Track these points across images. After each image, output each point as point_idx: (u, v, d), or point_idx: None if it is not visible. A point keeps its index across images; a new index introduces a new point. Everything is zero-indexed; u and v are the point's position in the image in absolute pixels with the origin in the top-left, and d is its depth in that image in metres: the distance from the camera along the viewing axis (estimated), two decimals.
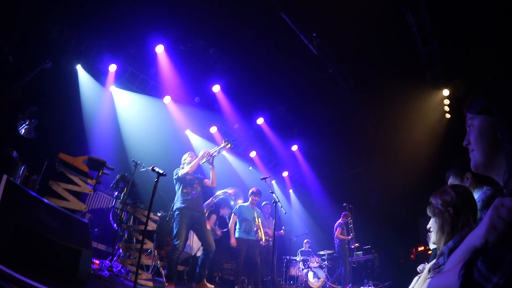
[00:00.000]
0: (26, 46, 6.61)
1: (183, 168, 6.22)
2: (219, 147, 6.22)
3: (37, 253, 3.09)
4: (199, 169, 6.43)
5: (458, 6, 7.37)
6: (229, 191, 8.89)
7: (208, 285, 5.54)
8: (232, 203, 8.55)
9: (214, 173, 6.21)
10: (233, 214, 7.94)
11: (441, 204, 2.12)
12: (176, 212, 5.94)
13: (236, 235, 7.75)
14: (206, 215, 7.43)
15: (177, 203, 6.03)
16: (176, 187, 6.24)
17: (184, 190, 6.06)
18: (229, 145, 6.12)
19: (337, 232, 10.12)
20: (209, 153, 6.22)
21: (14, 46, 5.60)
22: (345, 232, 10.11)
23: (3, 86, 5.13)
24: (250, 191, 8.14)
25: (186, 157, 6.42)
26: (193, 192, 6.06)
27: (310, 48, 8.57)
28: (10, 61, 4.74)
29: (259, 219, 8.33)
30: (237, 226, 7.84)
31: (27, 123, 5.83)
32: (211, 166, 6.19)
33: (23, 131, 5.82)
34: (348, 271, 9.72)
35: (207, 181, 6.24)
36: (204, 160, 6.20)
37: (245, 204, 8.07)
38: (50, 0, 7.14)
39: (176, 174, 6.19)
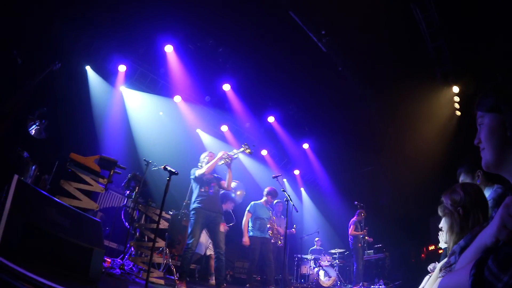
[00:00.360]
0: (34, 48, 6.66)
1: (201, 167, 6.21)
2: (239, 151, 6.19)
3: (49, 251, 3.12)
4: (214, 170, 6.39)
5: (467, 2, 7.27)
6: None
7: None
8: (233, 195, 8.54)
9: (231, 176, 6.17)
10: (247, 211, 7.86)
11: (451, 204, 2.12)
12: (192, 212, 5.93)
13: (250, 233, 7.71)
14: None
15: (194, 203, 6.01)
16: (193, 187, 6.23)
17: (201, 190, 6.05)
18: (248, 150, 6.10)
19: (351, 229, 10.09)
20: (229, 155, 6.19)
21: (23, 48, 5.67)
22: (359, 230, 10.07)
23: (12, 88, 5.20)
24: (266, 190, 8.11)
25: (205, 156, 6.40)
26: (210, 191, 6.05)
27: (319, 46, 8.54)
28: (19, 63, 4.80)
29: (274, 218, 8.35)
30: (250, 224, 7.82)
31: (37, 124, 5.90)
32: (228, 168, 6.16)
33: (33, 131, 5.90)
34: (360, 270, 9.68)
35: (223, 183, 6.20)
36: (222, 161, 6.17)
37: (259, 202, 8.02)
38: (58, 2, 7.20)
39: (193, 174, 6.16)
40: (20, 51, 5.03)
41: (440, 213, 2.20)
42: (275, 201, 8.65)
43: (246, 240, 7.62)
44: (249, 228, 7.77)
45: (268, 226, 7.96)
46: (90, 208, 4.74)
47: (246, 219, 7.80)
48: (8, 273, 2.34)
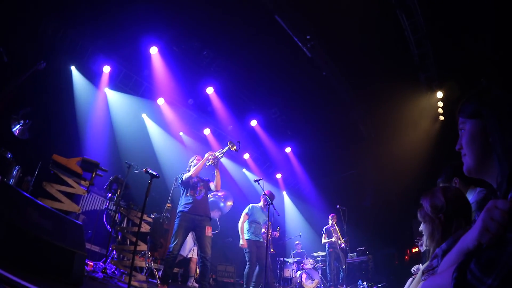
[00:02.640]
0: (20, 46, 6.57)
1: (188, 171, 6.19)
2: (224, 149, 6.14)
3: (31, 254, 3.08)
4: (203, 172, 6.36)
5: (451, 9, 7.42)
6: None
7: None
8: (222, 205, 8.52)
9: (219, 176, 6.12)
10: (244, 213, 7.65)
11: (431, 210, 2.06)
12: (178, 215, 5.88)
13: (246, 236, 7.52)
14: None
15: (180, 207, 5.97)
16: (181, 191, 6.18)
17: (188, 194, 6.00)
18: (234, 147, 6.05)
19: (323, 238, 10.42)
20: (214, 155, 6.18)
21: (9, 46, 5.56)
22: (330, 236, 10.23)
23: None
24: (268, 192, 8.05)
25: (192, 160, 6.37)
26: (196, 195, 6.00)
27: (304, 50, 8.60)
28: (5, 61, 4.72)
29: (270, 223, 8.28)
30: (246, 227, 7.67)
31: (21, 124, 5.80)
32: (216, 169, 6.13)
33: (17, 132, 5.79)
34: (332, 274, 9.91)
35: (212, 184, 6.16)
36: (209, 162, 6.14)
37: (257, 205, 7.91)
38: (44, 1, 7.10)
39: (180, 178, 6.13)
40: (7, 49, 4.93)
41: (420, 218, 2.14)
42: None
43: (244, 243, 7.37)
44: (245, 230, 7.66)
45: (263, 231, 7.85)
46: (72, 210, 4.69)
47: (242, 221, 7.60)
48: None
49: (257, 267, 7.37)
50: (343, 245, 9.70)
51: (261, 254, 7.44)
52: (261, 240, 7.62)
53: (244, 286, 7.34)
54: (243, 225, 7.58)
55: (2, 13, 6.09)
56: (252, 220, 7.57)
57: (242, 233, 7.48)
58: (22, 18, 6.84)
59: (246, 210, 7.72)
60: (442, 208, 2.00)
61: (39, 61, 5.19)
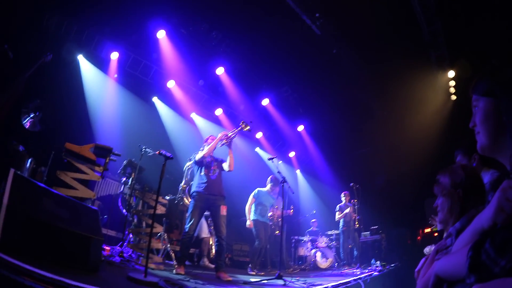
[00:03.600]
0: (25, 40, 6.58)
1: (202, 150, 6.21)
2: (237, 129, 6.16)
3: (48, 243, 3.13)
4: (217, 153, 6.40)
5: None
6: None
7: (226, 275, 5.57)
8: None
9: (232, 157, 6.16)
10: (251, 197, 8.00)
11: (451, 184, 2.06)
12: (193, 195, 5.95)
13: (253, 217, 7.83)
14: None
15: (194, 186, 6.03)
16: (194, 170, 6.24)
17: (201, 173, 6.04)
18: (247, 127, 6.06)
19: (336, 215, 10.42)
20: (227, 135, 6.19)
21: (14, 41, 5.57)
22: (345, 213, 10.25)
23: (5, 82, 5.14)
24: (270, 178, 8.18)
25: (206, 140, 6.42)
26: (211, 174, 6.04)
27: (313, 28, 8.46)
28: (11, 58, 4.73)
29: (277, 207, 8.52)
30: (253, 209, 7.92)
31: (31, 116, 5.86)
32: (229, 149, 6.16)
33: (28, 124, 5.86)
34: (345, 252, 9.97)
35: (225, 164, 6.19)
36: (222, 142, 6.17)
37: (264, 189, 8.11)
38: None
39: (194, 158, 6.19)
40: (12, 44, 4.94)
41: (436, 192, 2.15)
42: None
43: (250, 223, 7.78)
44: (251, 212, 7.88)
45: (270, 214, 8.12)
46: (87, 197, 4.76)
47: (249, 204, 7.97)
48: (8, 269, 2.35)
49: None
50: (357, 226, 9.73)
51: (266, 234, 7.88)
52: (267, 222, 8.00)
53: (250, 264, 7.63)
54: (250, 207, 7.94)
55: (3, 10, 6.08)
56: (258, 203, 7.88)
57: (249, 214, 7.87)
58: (25, 13, 6.83)
59: (253, 194, 8.03)
60: (461, 183, 2.02)
61: (45, 54, 5.19)
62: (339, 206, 10.42)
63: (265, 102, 11.88)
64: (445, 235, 2.12)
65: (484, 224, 1.15)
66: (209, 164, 6.13)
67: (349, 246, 9.96)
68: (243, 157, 12.69)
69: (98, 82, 9.06)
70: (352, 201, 9.96)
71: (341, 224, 10.21)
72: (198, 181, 6.03)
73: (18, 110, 5.75)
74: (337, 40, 9.09)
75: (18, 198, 2.95)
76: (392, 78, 9.61)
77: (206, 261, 8.04)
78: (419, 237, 11.13)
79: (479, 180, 2.08)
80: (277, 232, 8.63)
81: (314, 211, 11.93)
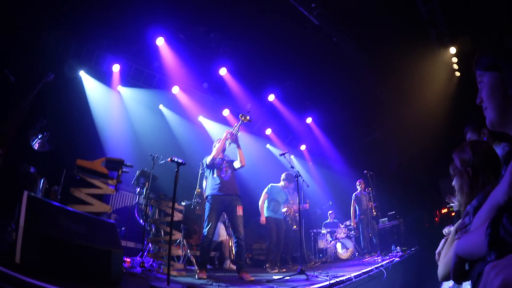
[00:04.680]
0: (25, 62, 6.63)
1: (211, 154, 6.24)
2: (238, 124, 6.21)
3: (68, 260, 3.16)
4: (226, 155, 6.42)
5: None
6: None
7: (248, 276, 5.57)
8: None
9: (242, 152, 6.18)
10: (264, 192, 8.05)
11: (460, 164, 2.07)
12: (208, 198, 5.97)
13: (265, 214, 7.87)
14: None
15: (208, 189, 6.05)
16: (207, 174, 6.26)
17: (214, 175, 6.06)
18: (247, 118, 6.07)
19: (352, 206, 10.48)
20: (231, 133, 6.22)
21: (13, 65, 5.62)
22: (361, 202, 10.25)
23: (9, 106, 5.20)
24: (284, 175, 8.19)
25: (215, 144, 6.44)
26: (223, 175, 6.05)
27: (311, 19, 8.41)
28: (12, 82, 4.78)
29: (292, 201, 8.55)
30: (266, 205, 7.95)
31: (39, 137, 5.91)
32: (236, 145, 6.17)
33: (37, 145, 5.91)
34: (365, 240, 9.97)
35: (236, 162, 6.21)
36: (228, 141, 6.20)
37: (277, 185, 8.13)
38: (43, 12, 7.12)
39: (204, 162, 6.22)
40: (12, 68, 4.99)
41: (451, 172, 2.16)
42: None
43: (263, 219, 7.84)
44: (264, 208, 7.89)
45: (285, 209, 8.14)
46: (103, 211, 4.78)
47: (262, 199, 8.03)
48: None
49: (276, 243, 7.79)
50: (374, 213, 9.72)
51: (280, 230, 7.90)
52: (280, 218, 8.06)
53: (266, 263, 7.72)
54: (263, 203, 8.01)
55: (0, 35, 6.15)
56: (271, 199, 7.92)
57: (262, 210, 7.93)
58: (21, 35, 6.89)
59: (266, 190, 8.09)
60: (469, 161, 2.02)
61: (46, 74, 5.23)
62: (355, 195, 10.46)
63: (271, 97, 11.85)
64: (463, 214, 2.10)
65: (500, 199, 1.15)
66: (220, 165, 6.15)
67: (369, 234, 9.93)
68: (255, 155, 12.69)
69: (102, 96, 9.12)
70: (367, 189, 9.92)
71: (357, 212, 10.21)
72: (212, 184, 6.04)
73: (25, 133, 5.81)
74: (336, 29, 9.02)
75: (34, 219, 2.98)
76: (394, 61, 9.54)
77: (228, 263, 8.07)
78: (436, 219, 11.03)
79: (490, 154, 2.05)
80: (295, 226, 8.62)
81: (330, 203, 11.92)
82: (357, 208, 10.32)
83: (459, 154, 2.11)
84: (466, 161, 2.04)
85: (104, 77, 9.08)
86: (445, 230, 3.71)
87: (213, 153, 6.12)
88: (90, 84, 8.93)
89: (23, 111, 5.06)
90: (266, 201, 7.99)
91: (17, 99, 5.12)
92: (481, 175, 1.97)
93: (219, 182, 5.98)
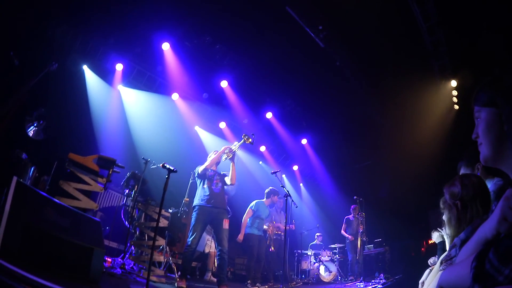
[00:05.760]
0: (31, 49, 6.66)
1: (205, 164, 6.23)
2: (239, 143, 6.20)
3: (49, 252, 3.11)
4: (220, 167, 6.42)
5: None
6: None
7: None
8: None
9: (235, 170, 6.17)
10: (250, 209, 7.95)
11: (449, 197, 2.11)
12: (195, 209, 5.92)
13: (248, 230, 7.81)
14: None
15: (196, 200, 6.01)
16: (197, 184, 6.22)
17: (204, 186, 6.03)
18: (249, 140, 6.07)
19: (342, 227, 10.49)
20: (230, 149, 6.23)
21: (19, 49, 5.64)
22: (351, 226, 10.21)
23: (10, 89, 5.18)
24: (270, 190, 8.16)
25: (211, 155, 6.41)
26: (213, 187, 6.02)
27: (316, 41, 8.52)
28: (16, 65, 4.78)
29: (274, 221, 8.53)
30: (249, 222, 7.88)
31: (35, 125, 5.88)
32: (232, 162, 6.17)
33: (31, 133, 5.88)
34: (353, 265, 9.91)
35: (227, 178, 6.20)
36: (225, 156, 6.20)
37: (262, 201, 8.09)
38: (53, 2, 7.17)
39: (196, 171, 6.18)
40: (17, 52, 4.99)
41: (441, 206, 2.19)
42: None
43: (240, 237, 7.78)
44: (248, 225, 7.82)
45: (265, 227, 8.10)
46: (89, 208, 4.73)
47: (246, 216, 7.90)
48: (9, 276, 2.33)
49: (256, 259, 7.77)
50: (365, 239, 9.72)
51: (262, 248, 7.91)
52: (262, 234, 8.03)
53: (248, 280, 7.59)
54: (246, 219, 7.89)
55: (10, 18, 6.17)
56: (256, 216, 7.86)
57: (244, 227, 7.82)
58: (31, 22, 6.90)
59: (251, 206, 8.01)
60: (458, 194, 2.06)
61: (50, 63, 5.23)
62: (346, 218, 10.59)
63: (269, 115, 11.90)
64: (449, 246, 2.12)
65: (488, 234, 1.15)
66: (211, 177, 6.12)
67: (356, 257, 9.91)
68: (247, 170, 12.68)
69: (102, 93, 9.11)
70: (360, 213, 9.95)
71: (346, 236, 10.22)
72: (201, 194, 6.01)
73: (22, 118, 5.78)
74: (340, 53, 9.13)
75: (20, 206, 2.94)
76: (394, 89, 9.61)
77: (209, 275, 7.99)
78: (423, 249, 11.02)
79: (480, 188, 2.09)
80: (272, 248, 8.52)
81: (318, 225, 11.89)
82: (346, 230, 10.32)
83: (449, 187, 2.15)
84: (455, 194, 2.08)
85: (106, 75, 9.09)
86: (431, 261, 3.72)
87: (206, 163, 6.10)
88: (91, 79, 8.92)
89: (23, 96, 5.04)
90: (250, 218, 7.92)
91: (18, 83, 5.11)
92: (469, 208, 2.01)
93: (208, 193, 5.96)
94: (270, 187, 8.22)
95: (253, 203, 8.01)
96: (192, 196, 7.51)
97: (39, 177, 5.49)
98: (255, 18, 8.24)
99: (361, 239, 9.62)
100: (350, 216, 10.50)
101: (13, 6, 6.26)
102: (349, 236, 10.14)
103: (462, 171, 3.32)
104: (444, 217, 2.16)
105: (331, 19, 8.20)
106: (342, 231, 10.45)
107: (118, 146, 9.00)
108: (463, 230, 1.96)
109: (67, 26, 7.78)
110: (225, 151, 6.20)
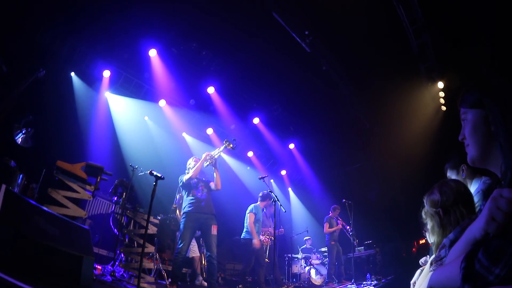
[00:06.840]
0: (19, 55, 6.58)
1: (187, 173, 6.21)
2: (221, 148, 6.24)
3: (39, 261, 3.09)
4: (204, 174, 6.41)
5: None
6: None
7: None
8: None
9: (218, 175, 6.20)
10: (251, 212, 7.72)
11: (430, 206, 2.16)
12: (183, 216, 5.93)
13: (248, 235, 7.54)
14: None
15: (184, 208, 6.02)
16: (183, 193, 6.23)
17: (190, 194, 6.05)
18: (230, 145, 6.11)
19: (325, 227, 10.22)
20: (211, 155, 6.24)
21: (7, 56, 5.58)
22: (331, 226, 10.14)
23: None
24: (265, 193, 8.10)
25: (190, 162, 6.43)
26: (199, 194, 6.03)
27: (303, 46, 8.57)
28: (4, 71, 4.73)
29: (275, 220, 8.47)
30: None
31: (23, 132, 5.83)
32: (214, 168, 6.19)
33: (20, 140, 5.82)
34: (332, 267, 9.82)
35: (212, 184, 6.22)
36: (207, 163, 6.20)
37: (258, 204, 8.03)
38: (43, 9, 7.11)
39: (181, 181, 6.18)
40: (5, 59, 4.94)
41: (423, 216, 2.24)
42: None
43: (257, 242, 7.37)
44: (247, 230, 7.62)
45: (261, 237, 8.05)
46: (78, 215, 4.69)
47: (251, 221, 7.58)
48: None
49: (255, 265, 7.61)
50: (350, 230, 9.65)
51: (262, 251, 7.78)
52: (262, 238, 7.96)
53: (240, 284, 7.54)
54: (253, 224, 7.57)
55: None
56: (257, 219, 7.70)
57: (254, 232, 7.47)
58: (18, 27, 6.85)
59: (251, 209, 7.80)
60: (438, 202, 2.10)
61: (38, 69, 5.19)
62: (326, 217, 10.33)
63: (256, 120, 11.91)
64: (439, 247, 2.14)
65: (476, 234, 1.14)
66: (196, 185, 6.14)
67: (336, 263, 9.88)
68: (235, 175, 12.67)
69: (89, 100, 9.01)
70: (339, 220, 9.92)
71: (326, 238, 10.13)
72: (187, 202, 6.04)
73: (10, 125, 5.71)
74: (326, 57, 9.19)
75: (10, 215, 2.92)
76: (382, 93, 9.71)
77: (200, 280, 7.93)
78: (414, 249, 11.09)
79: (460, 193, 2.12)
80: (267, 260, 8.44)
81: (307, 230, 11.89)
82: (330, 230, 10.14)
83: (428, 196, 2.19)
84: (436, 202, 2.12)
85: (93, 81, 9.00)
86: (422, 260, 3.76)
87: (190, 173, 6.10)
88: (79, 86, 8.83)
89: (11, 103, 4.99)
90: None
91: (6, 90, 5.05)
92: (452, 212, 2.05)
93: (195, 200, 5.98)
94: (264, 191, 8.18)
95: (252, 206, 7.87)
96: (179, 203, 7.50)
97: (28, 185, 5.43)
98: (241, 24, 8.26)
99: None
100: (329, 216, 10.31)
101: (1, 11, 6.19)
102: (336, 228, 10.02)
103: (448, 173, 3.37)
104: (428, 226, 2.19)
105: (317, 23, 8.26)
106: (327, 229, 10.12)
107: (106, 153, 8.92)
108: (448, 234, 1.98)
109: (55, 32, 7.71)
110: (207, 158, 6.22)
